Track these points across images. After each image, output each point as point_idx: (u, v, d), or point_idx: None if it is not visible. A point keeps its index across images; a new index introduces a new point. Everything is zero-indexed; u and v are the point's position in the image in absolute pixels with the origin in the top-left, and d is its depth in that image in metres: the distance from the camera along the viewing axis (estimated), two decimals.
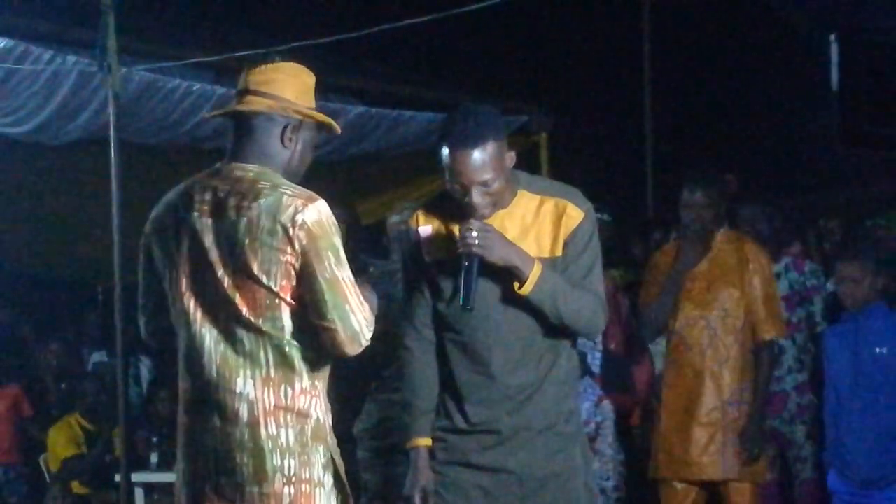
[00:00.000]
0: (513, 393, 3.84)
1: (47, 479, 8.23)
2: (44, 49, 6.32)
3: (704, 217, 5.54)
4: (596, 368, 6.27)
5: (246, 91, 3.38)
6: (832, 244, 7.49)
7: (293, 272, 3.24)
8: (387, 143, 8.39)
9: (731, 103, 10.76)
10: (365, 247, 5.81)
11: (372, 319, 3.33)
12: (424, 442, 3.93)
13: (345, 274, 3.26)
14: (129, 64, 6.67)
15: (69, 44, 6.61)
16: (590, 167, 9.91)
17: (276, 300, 3.25)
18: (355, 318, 3.26)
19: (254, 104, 3.36)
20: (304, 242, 3.21)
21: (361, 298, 3.30)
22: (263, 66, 3.38)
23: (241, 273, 3.24)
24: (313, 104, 3.43)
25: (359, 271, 5.26)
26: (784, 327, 5.70)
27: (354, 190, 8.65)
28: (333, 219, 3.29)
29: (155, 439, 7.37)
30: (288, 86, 3.37)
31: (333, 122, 3.52)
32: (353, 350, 3.29)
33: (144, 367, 9.06)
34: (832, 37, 5.22)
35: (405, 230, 4.05)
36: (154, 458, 7.32)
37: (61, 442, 8.15)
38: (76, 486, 8.08)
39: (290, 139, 3.37)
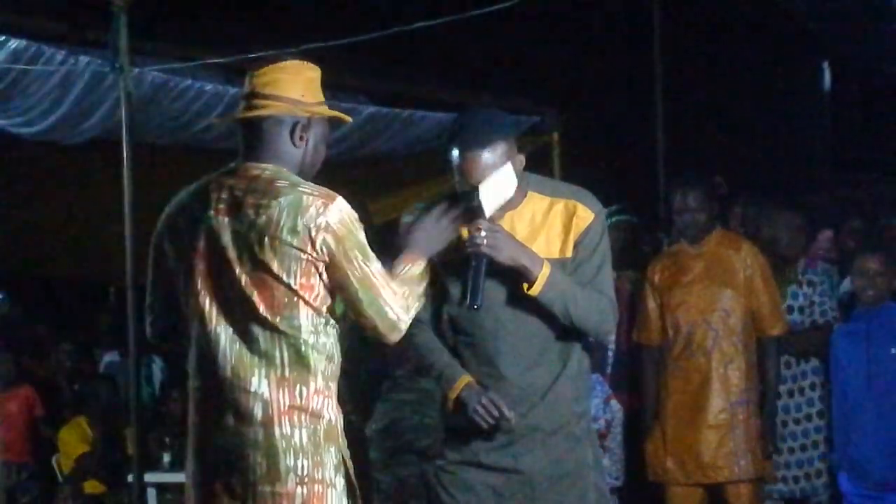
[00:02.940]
0: (524, 394, 3.83)
1: (59, 480, 8.24)
2: (56, 49, 6.32)
3: (699, 220, 5.61)
4: (608, 367, 6.27)
5: (251, 95, 3.38)
6: (855, 243, 7.44)
7: (314, 270, 3.24)
8: (399, 144, 8.39)
9: (744, 102, 10.75)
10: (377, 246, 5.81)
11: (414, 298, 3.38)
12: (467, 378, 3.85)
13: (374, 267, 3.29)
14: (142, 64, 6.67)
15: (82, 44, 6.61)
16: (601, 167, 9.90)
17: (295, 298, 3.25)
18: (391, 309, 3.30)
19: (260, 109, 3.35)
20: (332, 245, 3.23)
21: (394, 286, 3.33)
22: (266, 68, 3.37)
23: (260, 271, 3.24)
24: (321, 97, 3.43)
25: None
26: (787, 324, 5.73)
27: (366, 190, 8.63)
28: (354, 214, 3.30)
29: (167, 439, 7.37)
30: (293, 84, 3.36)
31: (342, 115, 3.53)
32: (394, 338, 3.35)
33: (157, 367, 9.07)
34: (825, 64, 5.30)
35: None
36: (166, 458, 7.33)
37: (72, 442, 8.17)
38: (88, 486, 8.09)
39: (301, 138, 3.37)
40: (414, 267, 3.45)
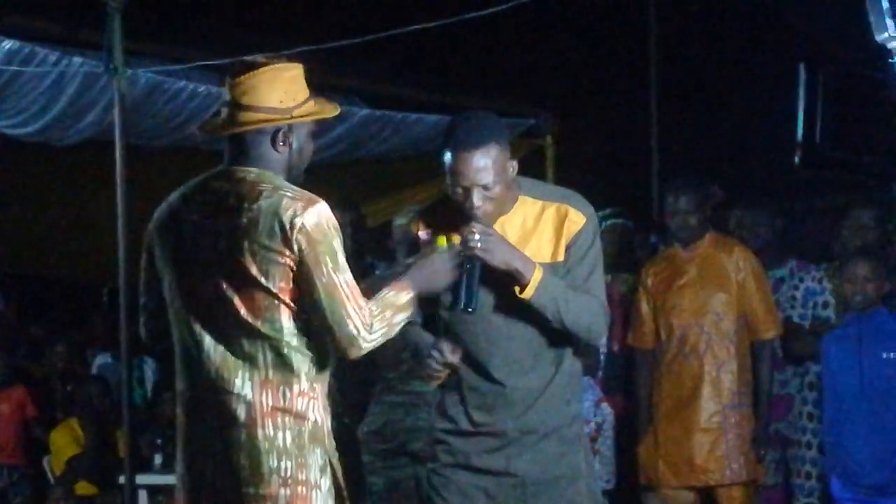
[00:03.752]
0: (517, 397, 3.84)
1: (51, 481, 8.23)
2: (50, 50, 6.31)
3: (691, 223, 5.62)
4: (599, 370, 6.27)
5: (230, 104, 3.35)
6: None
7: (291, 274, 3.24)
8: (393, 146, 8.39)
9: (739, 105, 10.74)
10: (371, 248, 5.82)
11: (384, 322, 3.32)
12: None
13: (342, 278, 3.26)
14: (135, 66, 6.66)
15: (75, 45, 6.59)
16: (596, 170, 9.89)
17: (275, 302, 3.26)
18: (352, 322, 3.25)
19: (238, 124, 3.33)
20: (303, 246, 3.22)
21: (362, 302, 3.28)
22: (243, 76, 3.33)
23: (240, 274, 3.25)
24: (303, 95, 3.39)
25: (365, 274, 5.28)
26: (781, 326, 5.73)
27: (360, 192, 8.64)
28: (334, 221, 3.29)
29: (159, 441, 7.36)
30: (270, 91, 3.33)
31: (325, 112, 3.46)
32: (352, 353, 3.29)
33: (149, 368, 9.05)
34: (801, 65, 5.36)
35: (406, 235, 4.05)
36: (158, 459, 7.32)
37: (64, 444, 8.15)
38: (80, 488, 8.07)
39: (284, 143, 3.35)
40: (400, 294, 3.41)
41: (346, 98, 7.84)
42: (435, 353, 3.73)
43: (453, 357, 3.74)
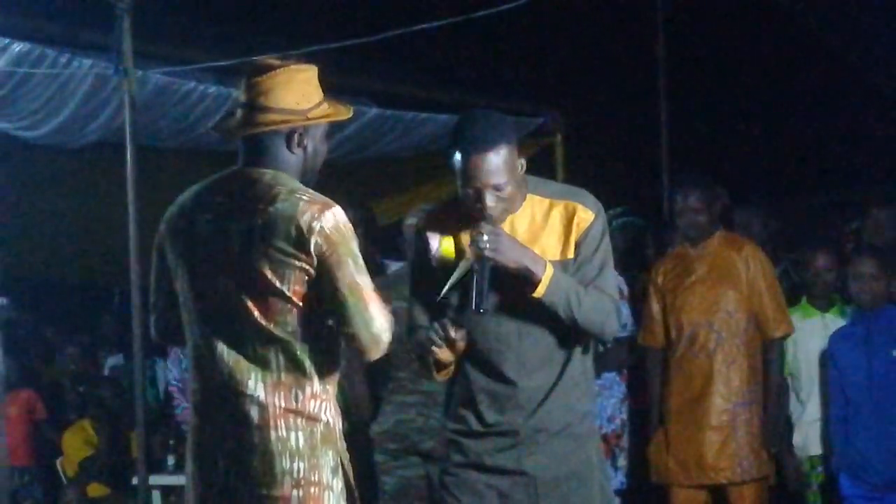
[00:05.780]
0: (528, 396, 3.83)
1: (64, 482, 8.25)
2: (60, 52, 6.32)
3: (699, 221, 5.61)
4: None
5: (246, 106, 3.36)
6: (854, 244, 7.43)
7: (307, 278, 3.24)
8: (402, 145, 8.40)
9: (748, 102, 10.74)
10: (381, 247, 5.82)
11: (391, 324, 3.34)
12: None
13: (365, 279, 3.27)
14: (145, 67, 6.68)
15: (85, 47, 6.61)
16: (605, 169, 9.90)
17: (288, 305, 3.25)
18: (377, 322, 3.28)
19: (254, 125, 3.33)
20: (323, 249, 3.21)
21: (382, 303, 3.31)
22: (259, 78, 3.33)
23: (254, 276, 3.25)
24: (318, 97, 3.39)
25: (376, 273, 5.29)
26: (792, 324, 5.72)
27: (371, 191, 8.66)
28: (350, 224, 3.29)
29: (172, 441, 7.38)
30: (287, 93, 3.33)
31: (340, 115, 3.47)
32: (375, 354, 3.32)
33: (161, 369, 9.07)
34: None
35: (414, 235, 4.04)
36: (171, 460, 7.33)
37: (76, 445, 8.17)
38: (93, 489, 8.09)
39: (299, 144, 3.36)
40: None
41: (356, 98, 7.85)
42: (436, 326, 3.71)
43: (456, 334, 3.71)
